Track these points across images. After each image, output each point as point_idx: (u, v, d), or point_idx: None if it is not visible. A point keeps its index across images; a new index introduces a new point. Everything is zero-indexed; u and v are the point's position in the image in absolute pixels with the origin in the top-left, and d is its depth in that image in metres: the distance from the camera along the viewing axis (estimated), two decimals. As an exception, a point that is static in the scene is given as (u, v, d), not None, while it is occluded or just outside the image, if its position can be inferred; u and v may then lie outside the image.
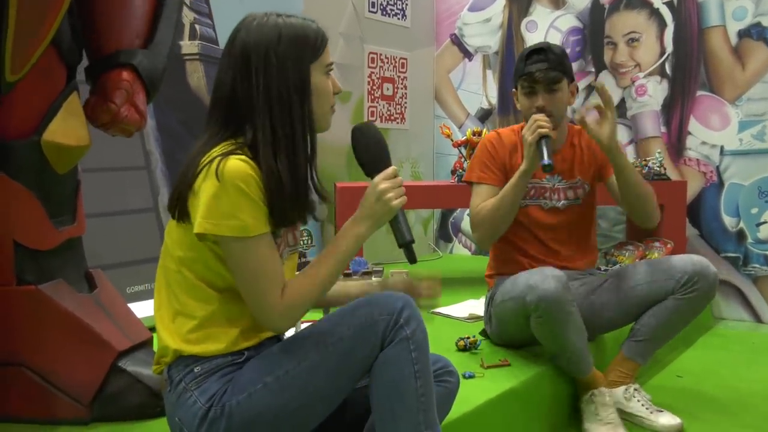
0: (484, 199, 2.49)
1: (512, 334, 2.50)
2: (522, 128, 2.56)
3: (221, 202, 1.38)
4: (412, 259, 1.54)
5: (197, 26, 3.38)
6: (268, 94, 1.45)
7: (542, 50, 2.44)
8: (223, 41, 3.44)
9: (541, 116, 2.34)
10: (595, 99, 2.41)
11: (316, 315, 1.87)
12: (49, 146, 1.91)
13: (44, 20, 1.80)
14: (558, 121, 2.45)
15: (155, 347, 1.60)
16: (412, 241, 1.52)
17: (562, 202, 2.57)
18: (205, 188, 1.40)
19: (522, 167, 2.36)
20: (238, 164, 1.40)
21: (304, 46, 1.49)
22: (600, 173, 2.61)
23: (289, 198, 1.45)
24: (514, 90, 2.56)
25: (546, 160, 2.26)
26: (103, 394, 1.92)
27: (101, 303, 2.04)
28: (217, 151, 1.44)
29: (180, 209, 1.47)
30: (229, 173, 1.38)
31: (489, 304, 2.59)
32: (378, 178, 1.51)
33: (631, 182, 2.39)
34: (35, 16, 1.78)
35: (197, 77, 3.37)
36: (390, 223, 1.52)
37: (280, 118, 1.46)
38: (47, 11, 1.80)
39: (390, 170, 1.52)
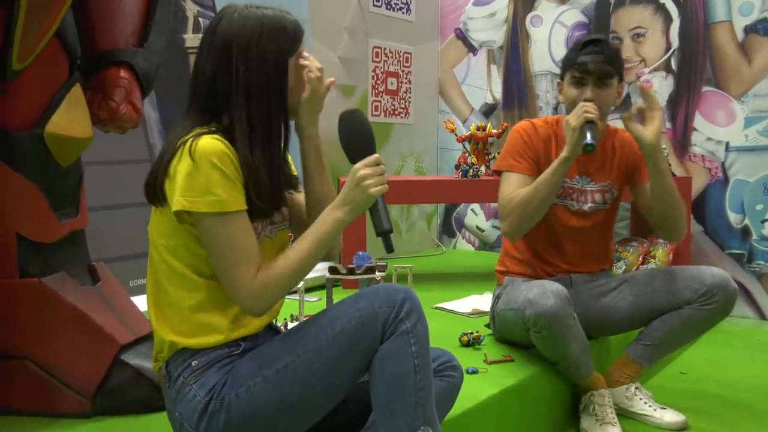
0: (516, 187, 2.37)
1: (514, 338, 2.49)
2: (557, 121, 2.49)
3: (196, 179, 1.39)
4: (388, 248, 1.51)
5: (201, 19, 3.37)
6: (247, 86, 1.47)
7: (599, 41, 2.34)
8: (227, 34, 3.45)
9: (590, 104, 2.25)
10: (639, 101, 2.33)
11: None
12: (51, 138, 1.90)
13: (50, 10, 1.80)
14: (603, 117, 2.35)
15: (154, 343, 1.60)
16: (390, 231, 1.50)
17: (589, 205, 2.48)
18: (179, 169, 1.41)
19: (563, 154, 2.26)
20: (211, 142, 1.41)
21: (284, 39, 1.50)
22: (632, 179, 2.51)
23: (264, 187, 1.47)
24: (559, 81, 2.46)
25: (589, 139, 2.18)
26: (106, 387, 1.92)
27: (104, 296, 2.04)
28: (193, 133, 1.45)
29: (155, 192, 1.47)
30: (202, 150, 1.40)
31: (495, 302, 2.56)
32: (359, 164, 1.50)
33: (670, 189, 2.31)
34: (43, 6, 1.78)
35: (201, 70, 3.36)
36: (369, 211, 1.51)
37: (257, 110, 1.48)
38: (53, 1, 1.80)
39: (372, 158, 1.50)
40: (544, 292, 2.17)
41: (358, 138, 1.54)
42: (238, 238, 1.43)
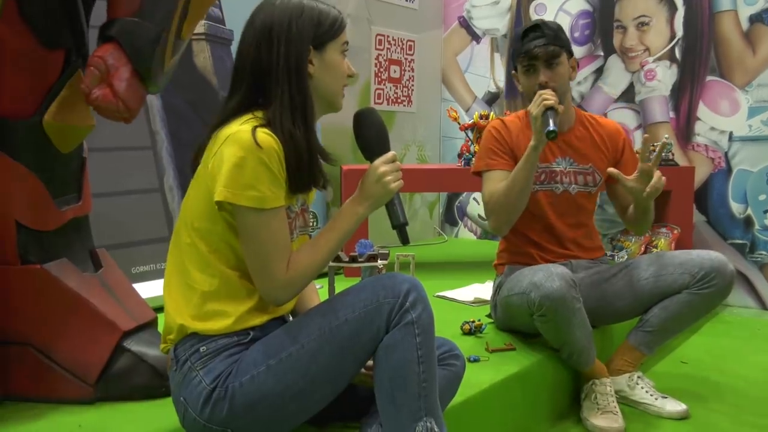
0: (496, 184, 2.43)
1: (517, 326, 2.50)
2: (525, 113, 2.54)
3: (244, 173, 1.42)
4: (404, 240, 1.59)
5: (204, 6, 3.35)
6: (287, 63, 1.51)
7: (538, 26, 2.41)
8: (229, 21, 3.43)
9: (546, 91, 2.31)
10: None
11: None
12: (50, 126, 1.90)
13: None
14: (561, 96, 2.40)
15: (160, 328, 1.60)
16: (406, 224, 1.58)
17: (574, 186, 2.51)
18: (228, 157, 1.43)
19: (531, 143, 2.31)
20: (265, 137, 1.44)
21: (322, 24, 1.55)
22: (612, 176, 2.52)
23: (306, 162, 1.51)
24: (514, 72, 2.52)
25: (551, 126, 2.22)
26: (108, 373, 1.92)
27: (106, 283, 2.04)
28: (242, 121, 1.48)
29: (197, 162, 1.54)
30: (253, 144, 1.42)
31: (496, 292, 2.57)
32: (378, 161, 1.56)
33: (644, 218, 2.41)
34: None
35: (203, 57, 3.35)
36: (386, 206, 1.58)
37: (296, 86, 1.51)
38: None
39: (390, 154, 1.58)
40: (549, 275, 2.19)
41: (375, 136, 1.61)
42: (275, 234, 1.47)
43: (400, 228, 1.58)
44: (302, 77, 1.52)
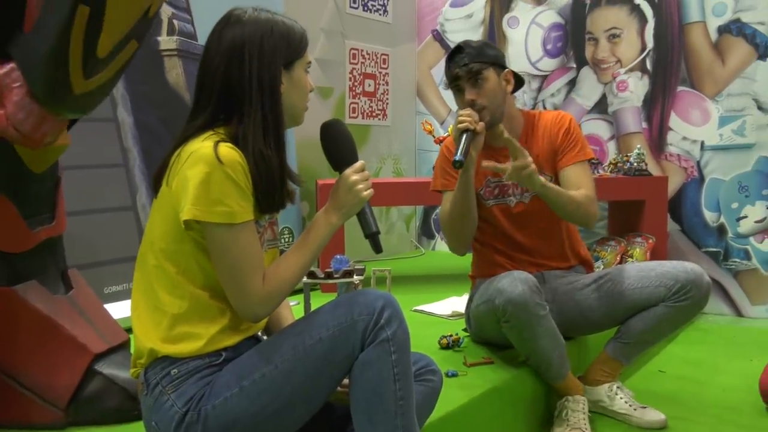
0: (446, 205, 2.43)
1: (490, 336, 2.49)
2: None
3: (210, 189, 1.40)
4: (377, 249, 1.59)
5: (175, 21, 3.33)
6: (260, 82, 1.49)
7: (459, 48, 2.39)
8: (201, 36, 3.41)
9: (464, 111, 2.26)
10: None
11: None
12: (22, 146, 1.86)
13: None
14: (494, 111, 2.35)
15: (132, 349, 1.57)
16: (378, 232, 1.59)
17: (526, 194, 2.49)
18: (192, 175, 1.41)
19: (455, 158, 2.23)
20: (228, 151, 1.42)
21: (292, 41, 1.55)
22: (553, 166, 2.49)
23: (277, 181, 1.50)
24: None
25: (457, 155, 2.15)
26: (80, 397, 1.88)
27: (77, 304, 2.00)
28: (203, 138, 1.46)
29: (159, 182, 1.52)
30: (219, 160, 1.41)
31: (468, 304, 2.57)
32: (348, 170, 1.57)
33: (557, 204, 2.31)
34: None
35: (176, 73, 3.32)
36: (357, 215, 1.59)
37: (270, 105, 1.50)
38: None
39: (359, 164, 1.58)
40: (512, 281, 2.19)
41: (342, 147, 1.61)
42: (247, 248, 1.45)
43: (373, 236, 1.59)
44: (276, 97, 1.51)
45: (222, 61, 1.50)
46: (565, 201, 2.30)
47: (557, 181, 2.47)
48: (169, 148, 1.53)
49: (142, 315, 1.52)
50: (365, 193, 1.55)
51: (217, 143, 1.43)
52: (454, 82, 2.39)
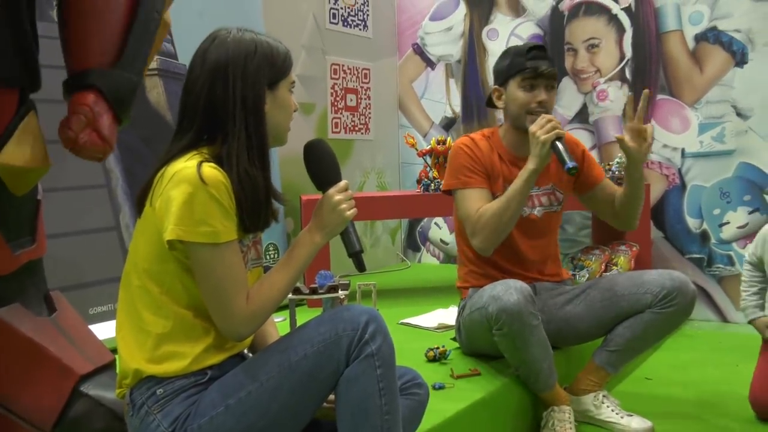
0: (479, 202, 2.39)
1: (480, 346, 2.49)
2: (492, 133, 2.54)
3: (194, 209, 1.40)
4: (361, 267, 1.62)
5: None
6: (244, 102, 1.50)
7: (541, 47, 2.42)
8: (182, 56, 3.41)
9: (552, 117, 2.27)
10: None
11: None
12: (4, 169, 1.85)
13: None
14: None
15: (118, 370, 1.57)
16: (362, 251, 1.61)
17: (538, 209, 2.52)
18: (176, 195, 1.41)
19: (530, 166, 2.26)
20: (211, 171, 1.43)
21: (276, 62, 1.55)
22: (583, 183, 2.57)
23: (262, 200, 1.51)
24: (497, 87, 2.48)
25: (570, 162, 2.18)
26: (65, 419, 1.86)
27: (60, 326, 1.98)
28: (186, 158, 1.46)
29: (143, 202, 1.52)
30: (202, 180, 1.41)
31: (460, 314, 2.57)
32: (332, 190, 1.58)
33: (641, 192, 2.43)
34: None
35: (157, 93, 3.32)
36: (341, 234, 1.60)
37: (254, 125, 1.51)
38: None
39: (342, 183, 1.60)
40: (507, 289, 2.20)
41: (325, 166, 1.63)
42: (231, 268, 1.45)
43: (356, 255, 1.60)
44: (260, 117, 1.52)
45: (206, 82, 1.51)
46: (642, 191, 2.43)
47: (564, 200, 2.57)
48: (152, 169, 1.53)
49: (126, 336, 1.52)
50: (349, 212, 1.57)
51: (200, 163, 1.43)
52: (533, 77, 2.38)
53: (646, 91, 2.35)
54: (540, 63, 2.38)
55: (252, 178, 1.48)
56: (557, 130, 2.23)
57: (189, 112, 1.54)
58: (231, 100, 1.49)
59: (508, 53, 2.46)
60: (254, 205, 1.49)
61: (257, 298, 1.48)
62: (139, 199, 1.54)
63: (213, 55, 1.52)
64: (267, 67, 1.53)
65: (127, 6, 1.89)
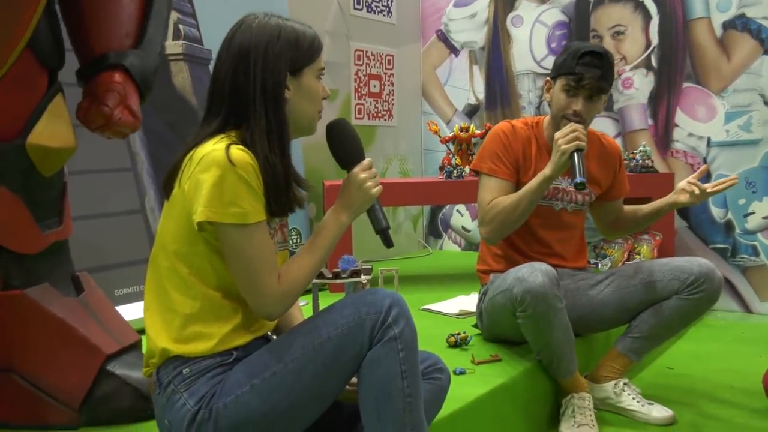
0: (496, 193, 2.41)
1: (502, 330, 2.50)
2: (537, 122, 2.54)
3: (223, 190, 1.42)
4: (388, 243, 1.63)
5: (181, 26, 3.36)
6: (264, 87, 1.51)
7: (599, 55, 2.32)
8: (207, 41, 3.43)
9: (580, 127, 2.25)
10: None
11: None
12: (34, 149, 1.89)
13: (19, 21, 1.77)
14: (586, 129, 2.36)
15: (144, 350, 1.59)
16: (389, 227, 1.62)
17: (572, 205, 2.54)
18: (205, 177, 1.43)
19: (546, 173, 2.27)
20: (239, 153, 1.44)
21: (300, 47, 1.55)
22: (608, 193, 2.60)
23: (283, 187, 1.51)
24: (548, 80, 2.45)
25: (579, 178, 2.17)
26: (92, 398, 1.90)
27: (88, 306, 2.02)
28: (215, 141, 1.47)
29: (171, 185, 1.53)
30: (230, 161, 1.42)
31: (481, 299, 2.58)
32: (357, 168, 1.59)
33: (647, 224, 2.60)
34: (10, 18, 1.75)
35: (182, 78, 3.35)
36: (367, 212, 1.61)
37: (273, 110, 1.52)
38: (22, 12, 1.77)
39: (366, 162, 1.61)
40: (533, 270, 2.20)
41: (349, 145, 1.63)
42: (261, 248, 1.47)
43: (383, 232, 1.62)
44: (279, 103, 1.53)
45: (230, 67, 1.52)
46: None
47: (600, 199, 2.62)
48: (179, 152, 1.54)
49: (154, 315, 1.54)
50: (374, 190, 1.58)
51: (228, 146, 1.45)
52: (576, 83, 2.33)
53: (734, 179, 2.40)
54: (588, 71, 2.30)
55: (272, 165, 1.49)
56: (578, 142, 2.21)
57: (216, 97, 1.55)
58: (251, 86, 1.50)
59: (569, 49, 2.39)
60: (276, 190, 1.50)
61: (287, 278, 1.50)
62: (166, 182, 1.55)
63: (237, 40, 1.53)
64: (290, 52, 1.53)
65: None
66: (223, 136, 1.50)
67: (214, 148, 1.45)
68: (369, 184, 1.57)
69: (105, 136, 2.03)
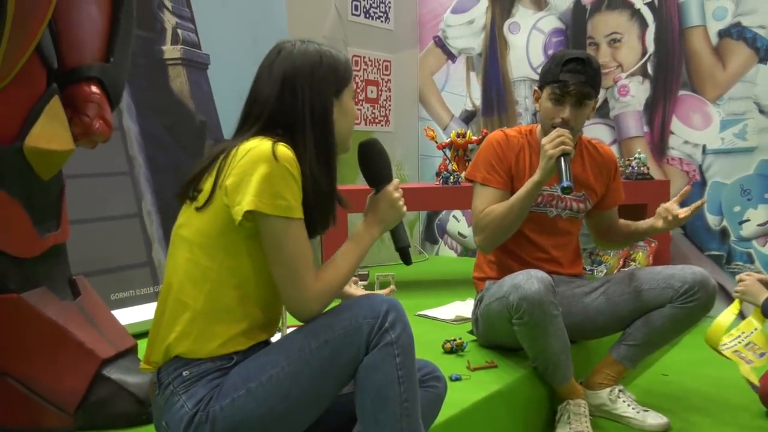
0: (489, 202, 2.43)
1: (498, 337, 2.50)
2: (530, 131, 2.56)
3: (272, 183, 1.45)
4: (407, 261, 1.71)
5: (179, 30, 3.36)
6: (312, 110, 1.55)
7: (582, 61, 2.33)
8: (205, 45, 3.44)
9: (566, 132, 2.27)
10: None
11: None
12: (31, 151, 1.88)
13: (31, 27, 1.79)
14: (575, 135, 2.39)
15: (140, 354, 1.59)
16: (409, 245, 1.71)
17: (566, 212, 2.55)
18: (254, 170, 1.45)
19: (535, 178, 2.29)
20: (285, 150, 1.48)
21: (339, 71, 1.61)
22: (601, 201, 2.62)
23: (327, 207, 1.58)
24: (536, 89, 2.47)
25: (565, 181, 2.20)
26: (88, 402, 1.90)
27: (85, 310, 2.02)
28: (259, 139, 1.50)
29: (194, 191, 1.54)
30: (282, 156, 1.46)
31: (477, 306, 2.58)
32: (391, 187, 1.68)
33: (636, 239, 2.65)
34: (24, 23, 1.76)
35: (180, 82, 3.35)
36: (391, 230, 1.70)
37: (322, 134, 1.56)
38: (34, 18, 1.78)
39: (396, 182, 1.71)
40: (529, 278, 2.21)
41: (382, 165, 1.71)
42: (302, 244, 1.50)
43: (404, 249, 1.70)
44: (328, 125, 1.57)
45: (274, 91, 1.56)
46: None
47: (594, 207, 2.63)
48: (203, 159, 1.56)
49: (163, 308, 1.55)
50: (405, 209, 1.68)
51: (274, 142, 1.48)
52: (561, 91, 2.35)
53: (702, 201, 2.48)
54: (572, 78, 2.32)
55: (320, 185, 1.53)
56: (564, 147, 2.24)
57: (252, 118, 1.58)
58: (300, 110, 1.54)
59: (554, 58, 2.41)
60: (319, 210, 1.56)
61: (324, 278, 1.54)
62: (188, 184, 1.56)
63: (280, 66, 1.57)
64: (332, 76, 1.59)
65: (108, 11, 2.07)
66: (264, 137, 1.51)
67: (260, 143, 1.48)
68: (401, 203, 1.67)
69: (77, 145, 2.04)
